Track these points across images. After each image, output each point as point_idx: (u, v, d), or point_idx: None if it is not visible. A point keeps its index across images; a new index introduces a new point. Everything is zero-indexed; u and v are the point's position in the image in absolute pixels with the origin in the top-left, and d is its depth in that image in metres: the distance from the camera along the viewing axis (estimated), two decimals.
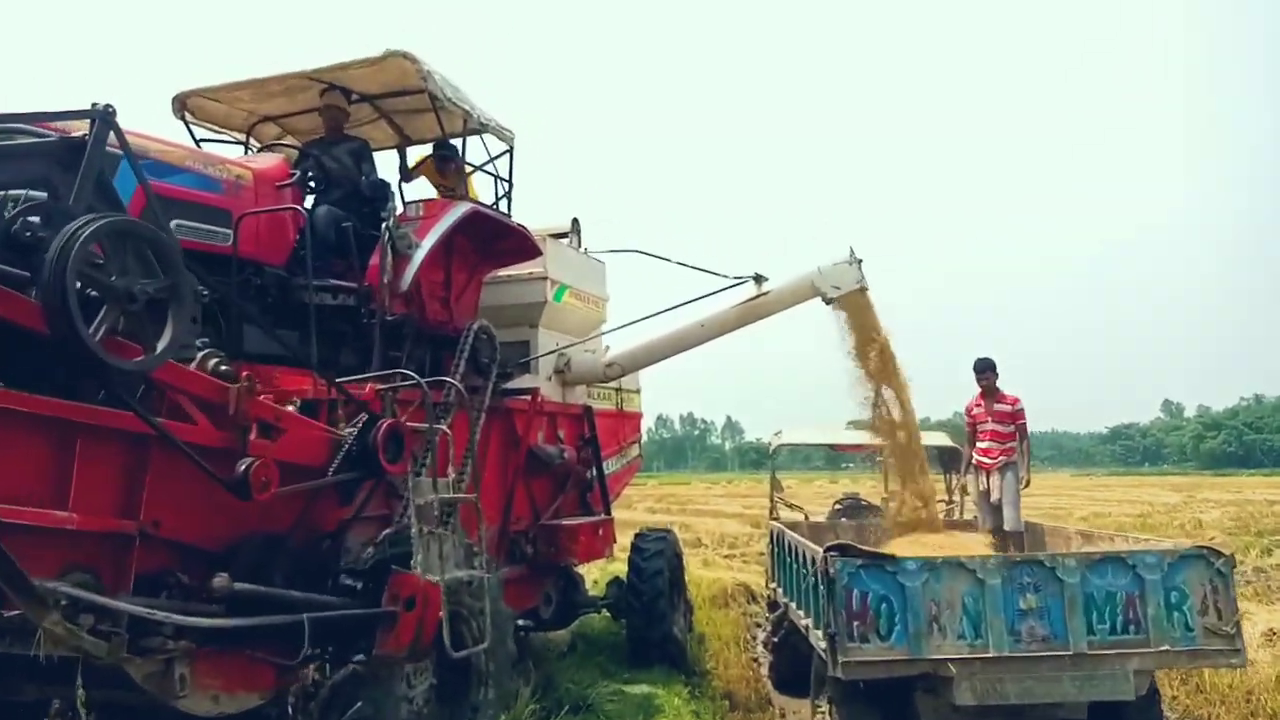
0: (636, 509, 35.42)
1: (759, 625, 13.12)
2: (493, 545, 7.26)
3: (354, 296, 6.15)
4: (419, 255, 6.34)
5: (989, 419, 8.11)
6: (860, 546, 5.75)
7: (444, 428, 5.54)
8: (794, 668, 9.09)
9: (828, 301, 7.66)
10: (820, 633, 5.91)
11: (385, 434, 4.33)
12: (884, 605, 5.46)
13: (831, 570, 5.44)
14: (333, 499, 4.33)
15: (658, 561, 8.57)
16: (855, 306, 7.63)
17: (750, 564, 18.14)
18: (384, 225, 6.13)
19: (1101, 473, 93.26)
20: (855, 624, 5.42)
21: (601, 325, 9.22)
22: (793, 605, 7.37)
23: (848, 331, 7.73)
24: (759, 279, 7.86)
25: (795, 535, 7.24)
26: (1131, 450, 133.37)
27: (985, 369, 8.09)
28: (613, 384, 9.96)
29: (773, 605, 9.75)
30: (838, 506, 11.49)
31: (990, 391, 8.12)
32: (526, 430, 7.51)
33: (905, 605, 5.43)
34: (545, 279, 8.04)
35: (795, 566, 7.19)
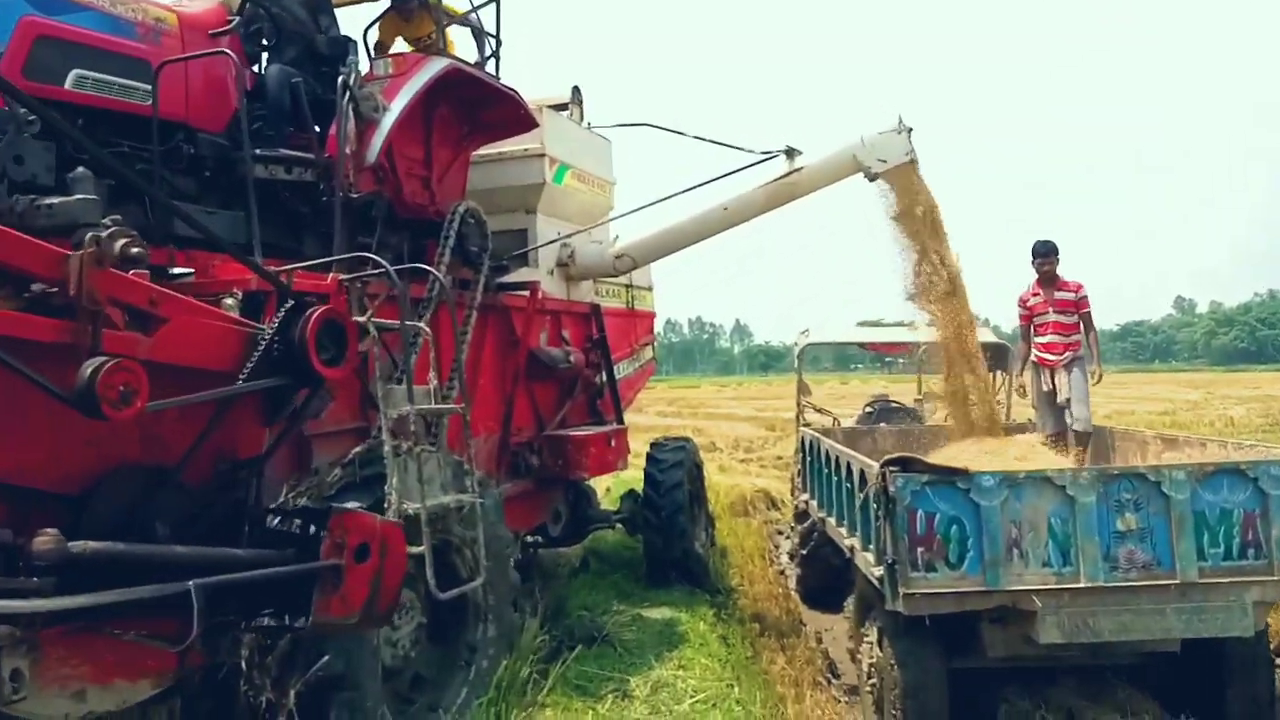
0: (648, 412, 34.76)
1: (781, 533, 12.45)
2: (493, 459, 6.41)
3: (311, 171, 5.12)
4: (388, 120, 5.27)
5: (1049, 309, 7.11)
6: (925, 460, 4.84)
7: (422, 325, 4.59)
8: (824, 580, 8.44)
9: (871, 178, 6.59)
10: (873, 557, 5.07)
11: (317, 325, 3.27)
12: (954, 528, 4.58)
13: (892, 488, 4.55)
14: (254, 417, 3.36)
15: (676, 473, 7.72)
16: (903, 182, 6.56)
17: (768, 468, 17.44)
18: (344, 84, 5.05)
19: (1112, 369, 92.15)
20: (920, 550, 4.55)
21: (609, 212, 8.18)
22: (831, 522, 6.55)
23: (893, 209, 6.69)
24: (791, 153, 6.77)
25: (836, 445, 6.35)
26: (1142, 347, 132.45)
27: (1047, 253, 7.06)
28: (622, 280, 8.96)
29: (800, 515, 8.99)
30: (868, 409, 10.62)
31: (1050, 279, 7.10)
32: (526, 330, 6.56)
33: (980, 528, 4.55)
34: (543, 156, 6.96)
35: (835, 479, 6.33)
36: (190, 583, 2.49)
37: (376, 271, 4.46)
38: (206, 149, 4.81)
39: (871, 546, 5.17)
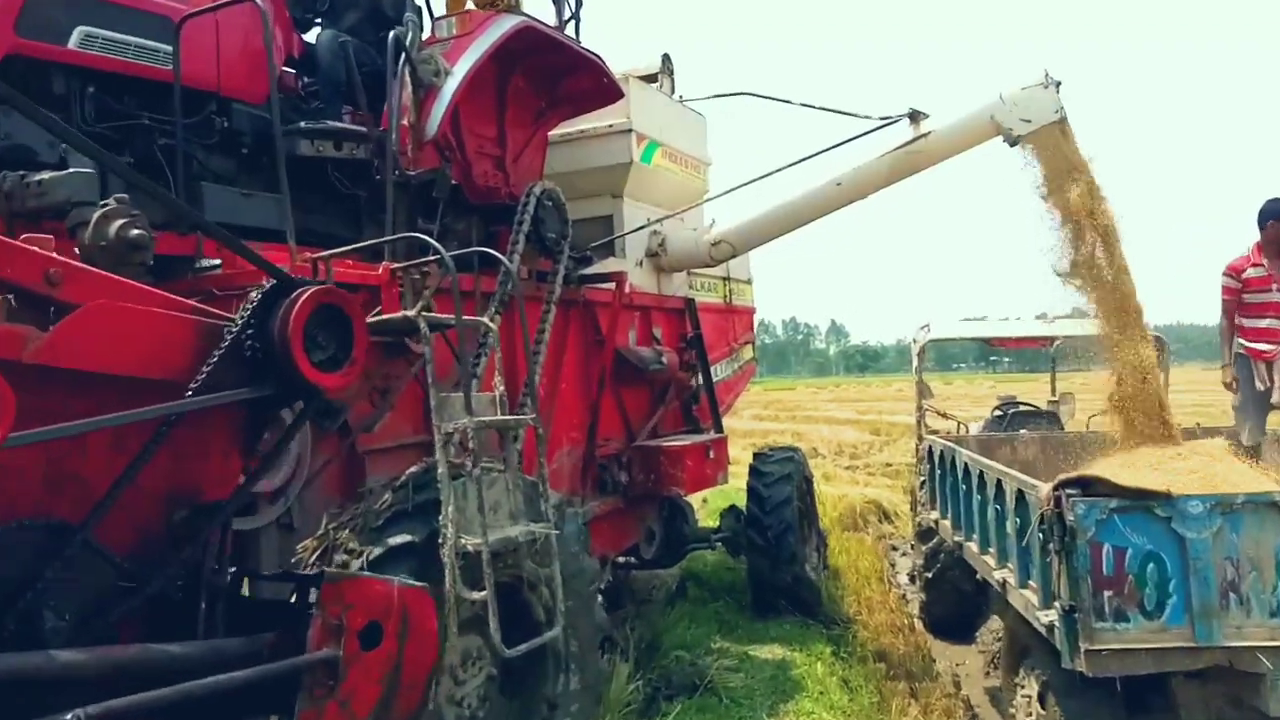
0: (743, 416, 33.74)
1: (896, 549, 11.41)
2: (576, 475, 5.67)
3: (365, 148, 4.46)
4: (450, 86, 4.57)
5: (1273, 287, 5.93)
6: (1110, 480, 3.86)
7: (485, 321, 3.86)
8: (952, 607, 7.39)
9: (1012, 142, 5.58)
10: (1036, 598, 4.12)
11: (305, 314, 2.43)
12: (1151, 567, 3.61)
13: (1070, 516, 3.60)
14: (224, 445, 2.51)
15: (784, 488, 6.84)
16: (1051, 145, 5.53)
17: (876, 476, 16.32)
18: (396, 42, 4.37)
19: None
20: (1107, 594, 3.59)
21: (703, 195, 7.36)
22: (971, 547, 5.58)
23: (1040, 180, 5.67)
24: (915, 116, 5.83)
25: (978, 458, 5.37)
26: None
27: (1271, 215, 5.87)
28: (718, 272, 8.12)
29: (925, 534, 7.98)
30: (998, 413, 9.48)
31: (1276, 250, 5.91)
32: (612, 328, 5.80)
33: (1186, 567, 3.57)
34: (630, 133, 6.19)
35: (977, 498, 5.37)
36: (71, 714, 1.69)
37: (435, 257, 3.75)
38: (244, 122, 4.19)
39: (1033, 583, 4.22)
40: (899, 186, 6.07)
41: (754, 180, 6.08)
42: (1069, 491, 3.66)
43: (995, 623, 7.22)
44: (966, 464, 5.59)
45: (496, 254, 4.10)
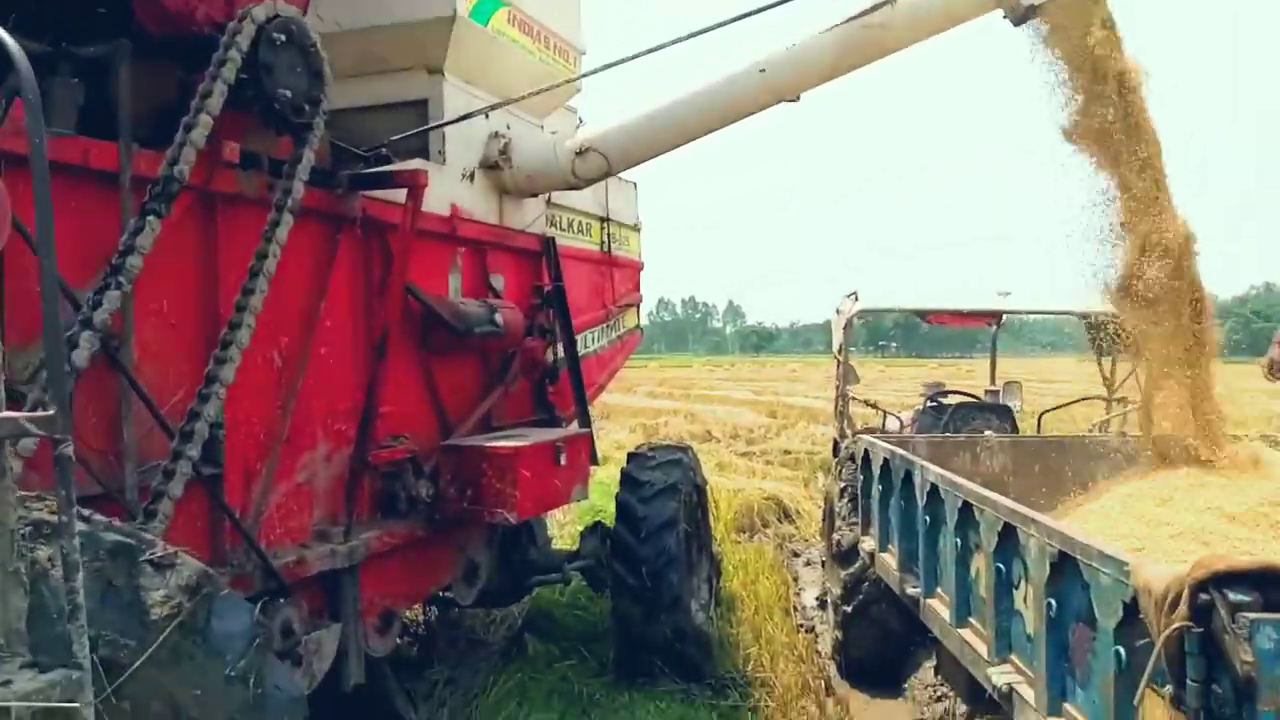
0: (637, 392, 31.98)
1: (799, 556, 9.69)
2: (336, 490, 3.61)
3: None
4: None
5: None
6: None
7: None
8: (875, 647, 5.81)
9: (1019, 15, 3.73)
10: None
11: None
12: None
13: (1232, 632, 1.74)
14: None
15: (667, 504, 4.91)
16: (1074, 16, 3.70)
17: (774, 465, 14.67)
18: None
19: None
20: None
21: (572, 95, 5.33)
22: (937, 609, 3.76)
23: (1059, 67, 3.84)
24: None
25: (962, 482, 3.50)
26: None
27: None
28: (594, 209, 6.12)
29: (845, 556, 6.22)
30: (931, 405, 7.77)
31: None
32: (400, 261, 3.70)
33: None
34: None
35: (949, 537, 3.54)
36: None
37: None
38: None
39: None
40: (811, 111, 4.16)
41: (639, 55, 4.05)
42: (1224, 594, 1.79)
43: (928, 674, 5.53)
44: (936, 487, 3.74)
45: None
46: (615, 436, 16.85)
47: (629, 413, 22.88)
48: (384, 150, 4.02)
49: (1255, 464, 3.87)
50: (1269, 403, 20.34)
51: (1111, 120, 3.72)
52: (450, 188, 4.31)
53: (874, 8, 3.92)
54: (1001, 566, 2.97)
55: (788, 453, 16.10)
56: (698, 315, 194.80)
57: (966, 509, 3.33)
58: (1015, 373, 9.75)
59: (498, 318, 4.29)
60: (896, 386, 31.87)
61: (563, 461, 4.20)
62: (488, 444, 3.97)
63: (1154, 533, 3.35)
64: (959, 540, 3.40)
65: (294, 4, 3.23)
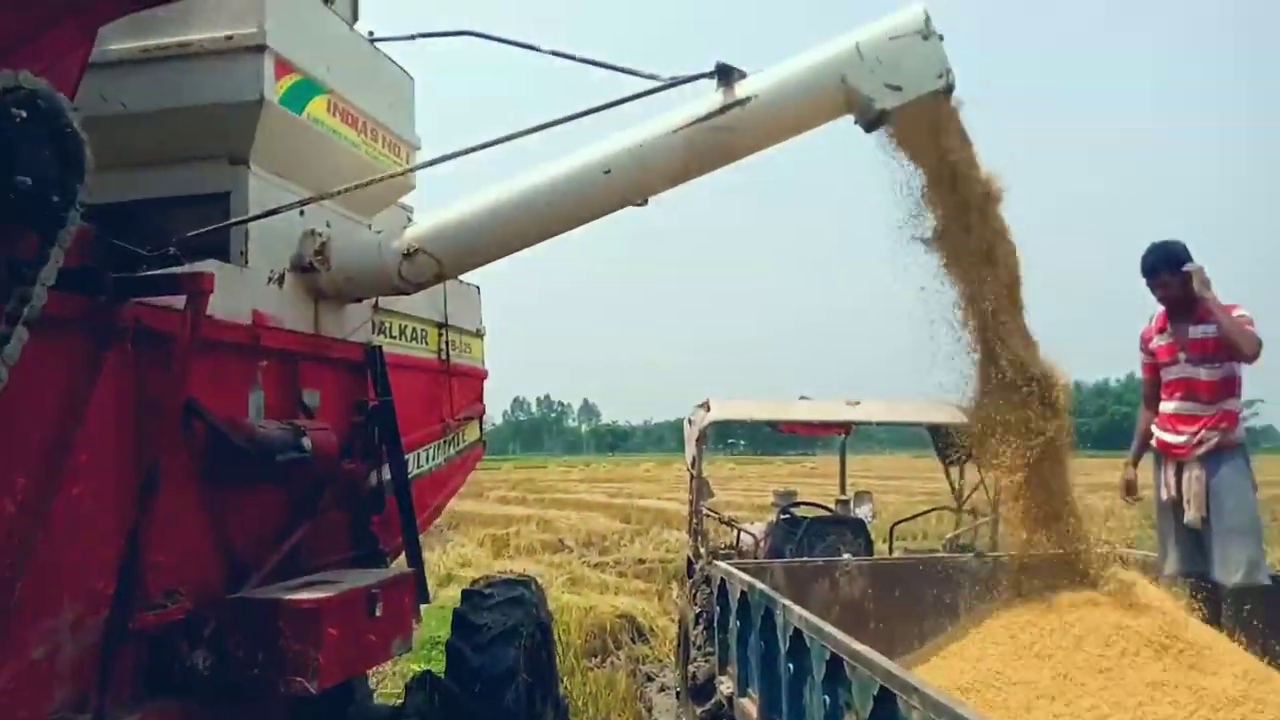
0: (488, 498, 30.84)
1: (653, 680, 9.13)
2: (83, 663, 2.90)
3: None
4: None
5: (1179, 355, 4.29)
6: None
7: None
8: None
9: (871, 120, 3.58)
10: None
11: None
12: None
13: None
14: None
15: (505, 650, 4.33)
16: (927, 126, 3.59)
17: (627, 577, 14.12)
18: None
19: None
20: None
21: (405, 192, 4.91)
22: None
23: (910, 177, 3.71)
24: (728, 74, 3.71)
25: (834, 634, 3.11)
26: None
27: (1159, 266, 4.27)
28: (431, 314, 5.65)
29: (700, 691, 5.79)
30: (784, 517, 7.52)
31: (1181, 308, 4.29)
32: (178, 378, 3.10)
33: None
34: (265, 52, 3.63)
35: (813, 687, 3.15)
36: None
37: None
38: None
39: None
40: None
41: (474, 149, 3.67)
42: None
43: None
44: (800, 632, 3.35)
45: None
46: (463, 550, 15.95)
47: (480, 521, 21.92)
48: (171, 250, 3.44)
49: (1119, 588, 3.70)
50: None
51: (968, 234, 3.60)
52: (253, 292, 3.75)
53: (723, 109, 3.70)
54: None
55: (641, 561, 15.63)
56: (553, 414, 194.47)
57: (836, 663, 2.95)
58: (858, 470, 9.75)
59: (305, 441, 3.70)
60: (746, 486, 32.12)
61: (379, 612, 3.59)
62: (284, 596, 3.32)
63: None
64: (827, 698, 3.02)
65: (64, 84, 2.70)
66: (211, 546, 3.47)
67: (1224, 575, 4.00)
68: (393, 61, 4.66)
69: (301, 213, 4.00)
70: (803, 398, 7.33)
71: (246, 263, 3.72)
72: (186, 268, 3.30)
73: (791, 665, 3.49)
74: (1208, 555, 4.10)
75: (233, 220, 3.63)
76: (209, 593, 3.39)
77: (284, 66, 3.74)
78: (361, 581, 3.64)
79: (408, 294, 4.36)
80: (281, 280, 3.93)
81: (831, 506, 8.15)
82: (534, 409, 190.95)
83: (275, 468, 3.57)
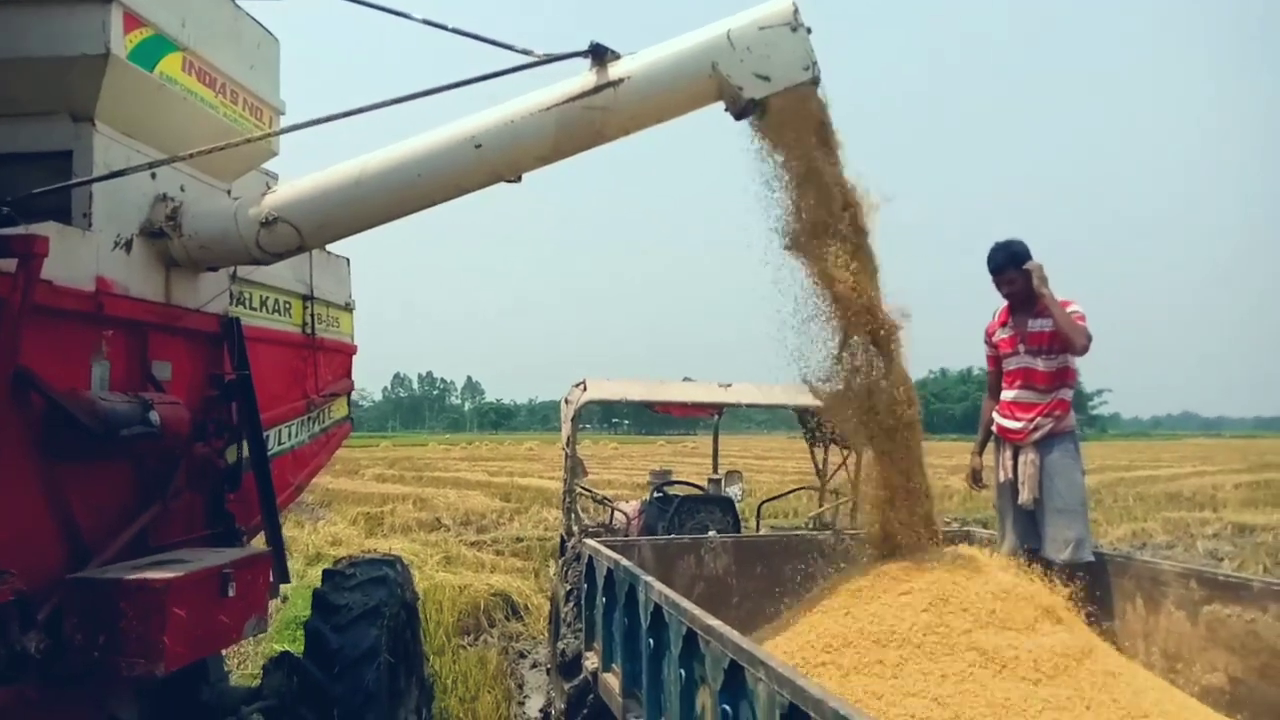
0: (364, 475, 30.10)
1: (525, 657, 9.17)
2: None
3: None
4: None
5: (1019, 347, 4.54)
6: None
7: None
8: None
9: (741, 108, 3.66)
10: None
11: None
12: None
13: None
14: None
15: (367, 631, 4.27)
16: (794, 119, 3.69)
17: (504, 556, 14.08)
18: None
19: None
20: None
21: (266, 158, 4.73)
22: None
23: (778, 170, 3.80)
24: (601, 54, 3.71)
25: (690, 609, 3.20)
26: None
27: (1005, 264, 4.50)
28: (295, 285, 5.48)
29: (569, 667, 5.86)
30: (658, 495, 7.65)
31: (1022, 302, 4.54)
32: (10, 348, 2.92)
33: None
34: (111, 2, 3.43)
35: (674, 666, 3.23)
36: None
37: None
38: None
39: None
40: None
41: (342, 115, 3.56)
42: None
43: None
44: (660, 608, 3.43)
45: None
46: (335, 529, 15.56)
47: (354, 500, 21.39)
48: (4, 210, 3.22)
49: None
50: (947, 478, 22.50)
51: (830, 233, 3.72)
52: (98, 257, 3.55)
53: (596, 89, 3.71)
54: (728, 709, 2.67)
55: (519, 540, 15.61)
56: (435, 392, 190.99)
57: (692, 638, 3.03)
58: (735, 450, 10.00)
59: (152, 415, 3.54)
60: (628, 465, 32.42)
61: (231, 592, 3.48)
62: (127, 576, 3.18)
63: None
64: (683, 671, 3.10)
65: None
66: (49, 524, 3.29)
67: (1053, 552, 4.30)
68: (257, 22, 4.46)
69: (153, 175, 3.82)
70: (686, 379, 7.46)
71: (90, 226, 3.51)
72: (20, 229, 3.10)
73: (652, 640, 3.57)
74: (1040, 533, 4.39)
75: (75, 181, 3.43)
76: (46, 573, 3.21)
77: (134, 20, 3.54)
78: (213, 561, 3.51)
79: (267, 264, 4.22)
80: (129, 246, 3.73)
81: (704, 485, 8.33)
82: (415, 386, 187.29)
83: (120, 442, 3.41)
